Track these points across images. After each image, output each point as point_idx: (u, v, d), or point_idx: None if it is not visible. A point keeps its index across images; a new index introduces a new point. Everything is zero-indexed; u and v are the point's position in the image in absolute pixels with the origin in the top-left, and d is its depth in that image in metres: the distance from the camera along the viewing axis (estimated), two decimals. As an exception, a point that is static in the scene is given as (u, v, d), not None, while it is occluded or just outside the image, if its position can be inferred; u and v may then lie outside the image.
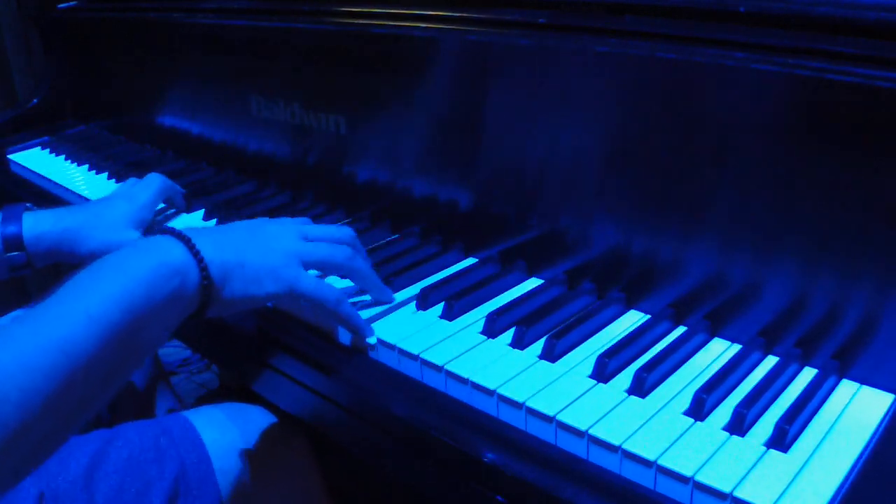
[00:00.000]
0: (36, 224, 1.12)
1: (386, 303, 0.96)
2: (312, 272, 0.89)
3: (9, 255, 1.11)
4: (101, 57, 1.85)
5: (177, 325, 0.75)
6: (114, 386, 0.68)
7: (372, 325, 0.91)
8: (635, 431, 0.71)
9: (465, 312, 0.94)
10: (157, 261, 0.72)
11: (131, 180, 1.28)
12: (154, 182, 1.25)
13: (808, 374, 0.79)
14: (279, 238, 0.86)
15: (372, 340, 0.89)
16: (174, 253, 0.74)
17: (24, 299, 0.78)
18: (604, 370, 0.79)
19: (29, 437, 0.58)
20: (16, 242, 1.10)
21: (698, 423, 0.72)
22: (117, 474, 0.92)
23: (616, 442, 0.69)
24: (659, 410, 0.74)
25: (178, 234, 0.76)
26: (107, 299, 0.65)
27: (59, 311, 0.63)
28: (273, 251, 0.84)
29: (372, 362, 0.89)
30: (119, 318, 0.65)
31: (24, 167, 1.72)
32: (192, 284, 0.74)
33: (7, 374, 0.57)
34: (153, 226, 1.22)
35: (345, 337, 0.92)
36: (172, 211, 1.33)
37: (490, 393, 0.78)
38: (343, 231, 0.95)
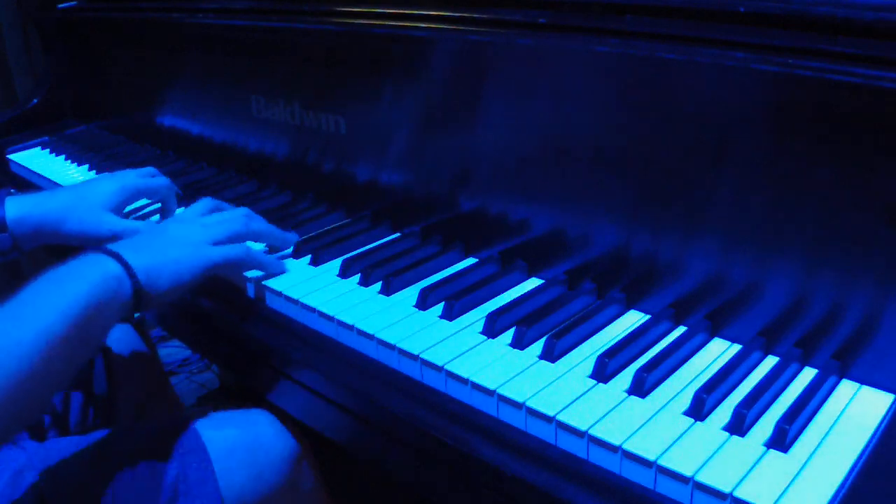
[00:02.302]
0: (18, 207, 1.16)
1: (290, 245, 1.13)
2: None
3: None
4: (101, 57, 1.85)
5: (118, 321, 0.91)
6: (74, 367, 0.84)
7: (372, 324, 0.91)
8: (635, 431, 0.71)
9: (465, 312, 0.94)
10: (101, 272, 0.87)
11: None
12: (154, 179, 1.28)
13: (808, 374, 0.79)
14: (186, 233, 1.00)
15: (279, 281, 1.04)
16: (110, 265, 0.89)
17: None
18: (604, 370, 0.79)
19: (10, 409, 0.74)
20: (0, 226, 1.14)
21: (698, 423, 0.72)
22: (118, 474, 0.92)
23: (616, 442, 0.69)
24: (659, 410, 0.74)
25: (109, 251, 0.90)
26: (70, 299, 0.81)
27: (38, 309, 0.80)
28: (183, 245, 0.98)
29: (372, 362, 0.89)
30: (79, 313, 0.81)
31: (24, 167, 1.72)
32: (127, 289, 0.89)
33: None
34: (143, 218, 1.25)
35: (249, 289, 1.06)
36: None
37: (490, 393, 0.78)
38: (236, 210, 1.11)
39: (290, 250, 1.13)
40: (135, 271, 0.89)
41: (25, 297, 0.81)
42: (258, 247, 1.13)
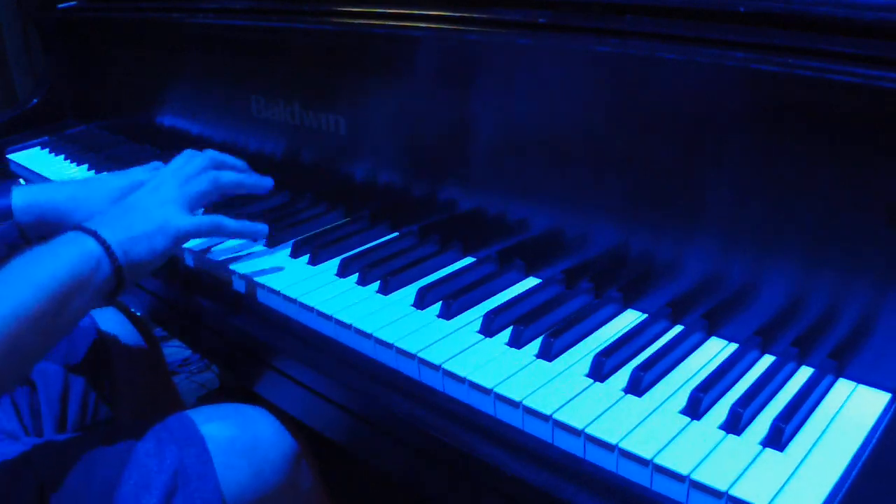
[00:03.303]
0: (25, 195, 1.18)
1: (265, 188, 1.15)
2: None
3: (1, 227, 1.15)
4: (101, 57, 1.85)
5: (103, 297, 0.93)
6: (50, 341, 0.87)
7: (370, 323, 0.91)
8: (632, 430, 0.71)
9: (463, 311, 0.94)
10: (78, 250, 0.90)
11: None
12: (153, 165, 1.29)
13: (804, 373, 0.79)
14: (160, 203, 1.02)
15: (261, 238, 1.11)
16: (88, 244, 0.91)
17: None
18: (601, 369, 0.79)
19: None
20: (6, 214, 1.16)
21: (695, 421, 0.72)
22: (116, 467, 0.92)
23: (612, 441, 0.69)
24: (655, 409, 0.74)
25: (87, 230, 0.93)
26: (45, 275, 0.85)
27: (13, 285, 0.83)
28: (155, 216, 1.00)
29: (369, 361, 0.89)
30: (54, 289, 0.84)
31: (23, 167, 1.73)
32: (106, 267, 0.91)
33: None
34: None
35: (238, 284, 1.08)
36: None
37: (487, 392, 0.78)
38: (203, 156, 1.11)
39: (262, 244, 1.16)
40: (113, 250, 0.92)
41: (1, 274, 0.84)
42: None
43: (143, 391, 1.37)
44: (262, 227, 1.10)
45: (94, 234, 0.92)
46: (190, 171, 1.08)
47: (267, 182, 1.15)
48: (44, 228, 1.18)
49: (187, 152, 1.12)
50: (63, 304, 0.85)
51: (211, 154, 1.12)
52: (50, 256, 0.88)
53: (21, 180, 1.23)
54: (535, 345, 0.85)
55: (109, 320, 1.37)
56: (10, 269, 0.85)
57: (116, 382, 1.30)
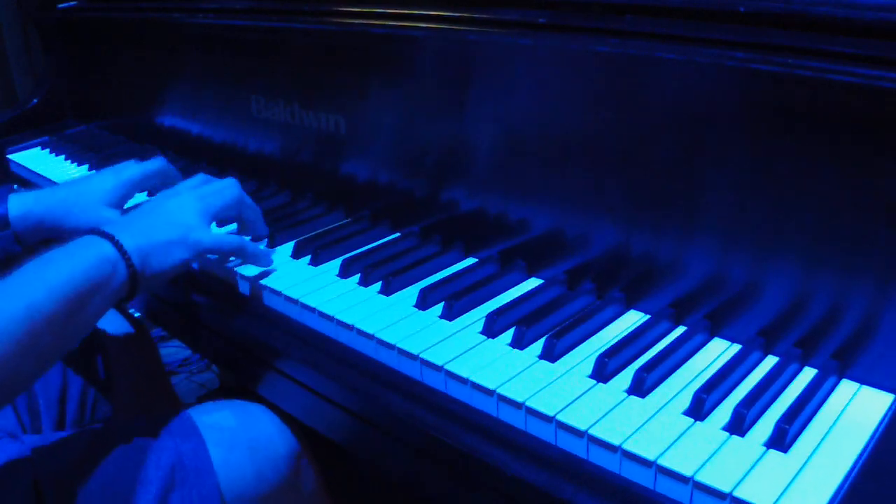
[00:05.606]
0: (21, 203, 1.18)
1: (263, 234, 1.17)
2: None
3: None
4: (101, 57, 1.85)
5: (115, 301, 0.92)
6: (65, 345, 0.87)
7: (372, 324, 0.91)
8: (635, 431, 0.71)
9: (465, 312, 0.94)
10: (95, 254, 0.89)
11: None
12: (151, 162, 1.26)
13: (807, 374, 0.79)
14: (181, 210, 1.02)
15: (272, 266, 1.08)
16: (105, 248, 0.91)
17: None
18: (603, 370, 0.79)
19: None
20: (3, 223, 1.16)
21: (698, 422, 0.72)
22: (113, 462, 0.92)
23: (616, 442, 0.69)
24: (659, 410, 0.74)
25: (104, 234, 0.92)
26: (61, 278, 0.84)
27: (27, 286, 0.82)
28: (177, 225, 1.00)
29: (371, 361, 0.89)
30: (70, 292, 0.84)
31: (23, 167, 1.72)
32: (122, 272, 0.91)
33: None
34: None
35: (244, 287, 1.07)
36: None
37: (490, 393, 0.78)
38: (228, 181, 1.11)
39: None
40: (130, 255, 0.92)
41: (17, 275, 0.83)
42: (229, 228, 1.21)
43: (141, 391, 1.37)
44: (271, 257, 1.10)
45: (111, 239, 0.92)
46: (214, 186, 1.09)
47: (265, 229, 1.18)
48: (40, 234, 1.18)
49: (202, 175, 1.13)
50: (79, 307, 0.85)
51: (234, 181, 1.13)
52: (66, 259, 0.87)
53: (15, 186, 1.22)
54: (537, 346, 0.85)
55: (107, 320, 1.37)
56: (26, 270, 0.84)
57: (114, 382, 1.30)
